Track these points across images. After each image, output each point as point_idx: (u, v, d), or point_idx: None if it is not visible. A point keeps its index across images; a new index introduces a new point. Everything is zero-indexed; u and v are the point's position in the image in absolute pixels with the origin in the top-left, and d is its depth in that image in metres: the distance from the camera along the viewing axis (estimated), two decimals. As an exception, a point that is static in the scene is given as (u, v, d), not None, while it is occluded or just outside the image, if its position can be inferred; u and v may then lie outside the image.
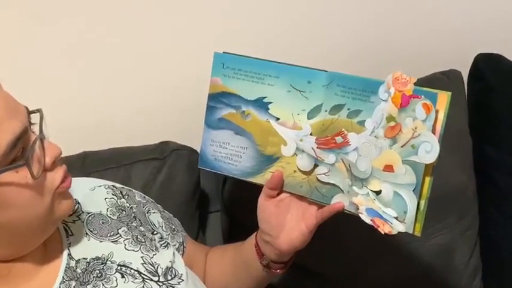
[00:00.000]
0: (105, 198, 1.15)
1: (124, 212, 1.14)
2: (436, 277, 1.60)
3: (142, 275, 1.05)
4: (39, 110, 0.95)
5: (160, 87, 1.58)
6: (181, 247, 1.23)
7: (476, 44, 1.74)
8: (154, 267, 1.07)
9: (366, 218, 1.03)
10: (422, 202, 1.02)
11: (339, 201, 1.09)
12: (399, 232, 1.01)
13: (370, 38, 1.74)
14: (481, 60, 1.70)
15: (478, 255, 1.67)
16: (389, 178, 1.03)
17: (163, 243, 1.15)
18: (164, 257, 1.11)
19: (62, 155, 0.96)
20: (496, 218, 1.66)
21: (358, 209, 1.04)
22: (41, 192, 0.92)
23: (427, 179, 1.01)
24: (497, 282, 1.68)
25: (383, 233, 1.00)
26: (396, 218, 1.02)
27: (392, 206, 1.03)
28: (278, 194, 1.16)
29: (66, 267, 1.02)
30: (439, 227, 1.57)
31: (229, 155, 1.20)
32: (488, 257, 1.67)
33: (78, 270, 1.02)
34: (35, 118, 0.95)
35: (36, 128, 0.95)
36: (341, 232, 1.45)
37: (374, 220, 1.02)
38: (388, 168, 1.03)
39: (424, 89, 1.02)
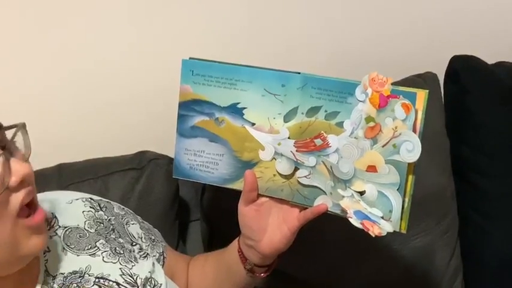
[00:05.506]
0: (83, 211, 1.13)
1: (102, 225, 1.12)
2: (417, 279, 1.60)
3: (121, 286, 1.04)
4: (17, 125, 0.91)
5: (135, 96, 1.56)
6: (162, 257, 1.22)
7: (451, 46, 1.75)
8: (133, 278, 1.06)
9: (355, 222, 1.03)
10: (406, 200, 1.03)
11: (322, 202, 1.09)
12: (388, 232, 1.02)
13: (345, 41, 1.74)
14: (456, 62, 1.70)
15: (458, 257, 1.67)
16: (373, 178, 1.03)
17: (143, 254, 1.14)
18: (143, 268, 1.10)
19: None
20: (475, 218, 1.66)
21: (346, 213, 1.04)
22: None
23: (410, 177, 1.02)
24: (478, 282, 1.68)
25: (373, 235, 1.01)
26: (382, 218, 1.03)
27: (377, 206, 1.04)
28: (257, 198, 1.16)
29: (43, 284, 1.00)
30: (418, 230, 1.57)
31: (205, 162, 1.19)
32: (468, 258, 1.68)
33: (55, 286, 1.01)
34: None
35: (12, 145, 0.90)
36: (321, 237, 1.46)
37: (363, 223, 1.02)
38: (371, 168, 1.03)
39: (402, 88, 1.03)
